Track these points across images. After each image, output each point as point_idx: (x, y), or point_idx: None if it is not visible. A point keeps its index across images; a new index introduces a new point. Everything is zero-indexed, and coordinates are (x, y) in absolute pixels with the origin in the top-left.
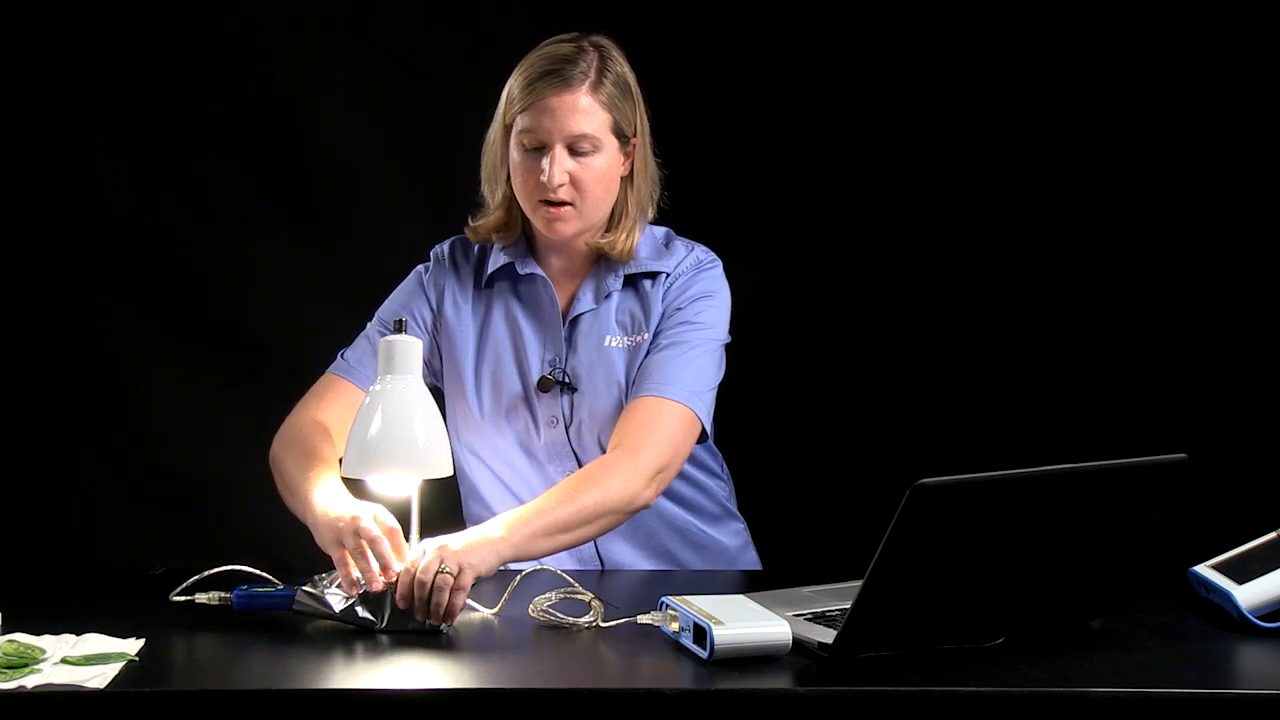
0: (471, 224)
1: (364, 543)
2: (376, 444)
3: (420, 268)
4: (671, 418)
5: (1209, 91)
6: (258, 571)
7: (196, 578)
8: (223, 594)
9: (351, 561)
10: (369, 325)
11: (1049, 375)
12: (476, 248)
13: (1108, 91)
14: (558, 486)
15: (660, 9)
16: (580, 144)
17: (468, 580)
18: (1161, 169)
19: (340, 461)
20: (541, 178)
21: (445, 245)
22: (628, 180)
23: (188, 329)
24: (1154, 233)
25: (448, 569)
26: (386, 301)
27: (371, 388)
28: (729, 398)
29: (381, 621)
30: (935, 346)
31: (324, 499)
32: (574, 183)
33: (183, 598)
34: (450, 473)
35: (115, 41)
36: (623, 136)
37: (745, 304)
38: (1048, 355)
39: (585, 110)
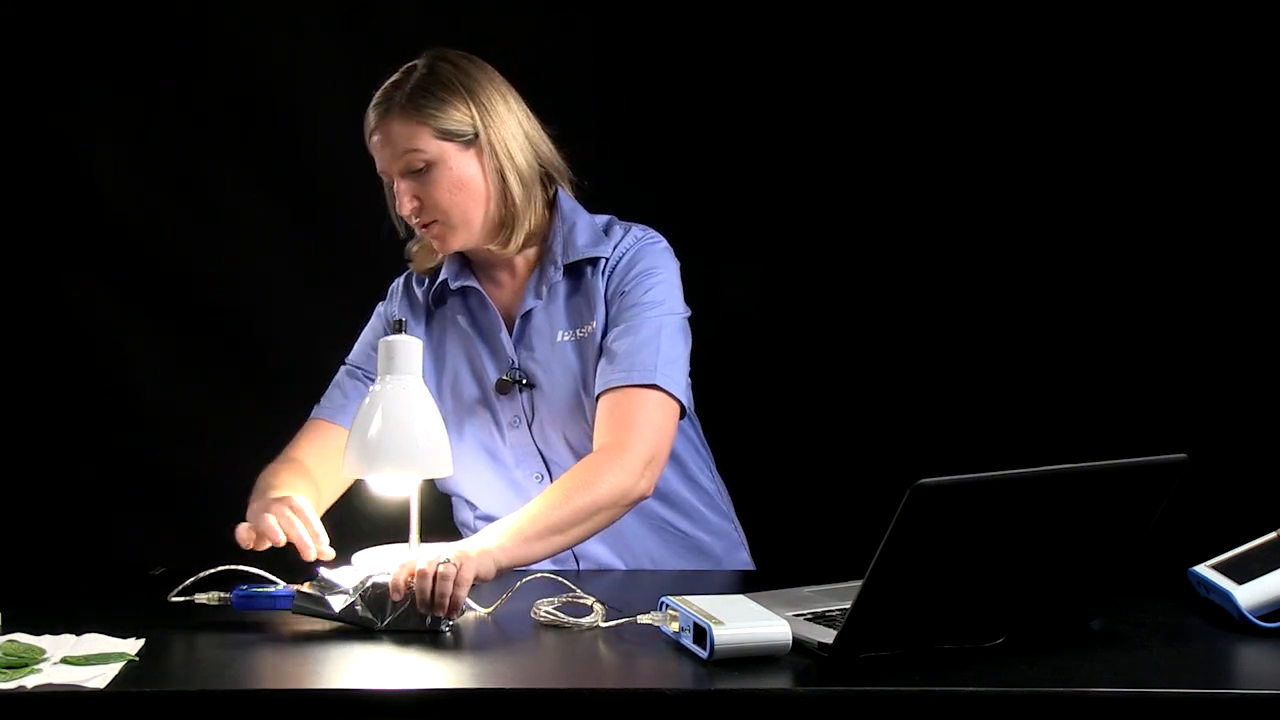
0: (406, 259)
1: (289, 511)
2: (376, 444)
3: (380, 304)
4: (649, 405)
5: (1209, 91)
6: (258, 571)
7: (196, 577)
8: (222, 594)
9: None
10: (340, 371)
11: (1049, 375)
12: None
13: (1108, 92)
14: (550, 490)
15: (654, 9)
16: (411, 163)
17: (468, 573)
18: (1161, 169)
19: (319, 482)
20: (397, 209)
21: (400, 278)
22: (499, 174)
23: (188, 329)
24: (1154, 233)
25: (449, 560)
26: (355, 345)
27: (371, 388)
28: (728, 399)
29: (381, 621)
30: (934, 347)
31: (270, 478)
32: (424, 203)
33: (182, 598)
34: (450, 472)
35: (115, 41)
36: (458, 137)
37: (742, 305)
38: (1047, 355)
39: (398, 133)
